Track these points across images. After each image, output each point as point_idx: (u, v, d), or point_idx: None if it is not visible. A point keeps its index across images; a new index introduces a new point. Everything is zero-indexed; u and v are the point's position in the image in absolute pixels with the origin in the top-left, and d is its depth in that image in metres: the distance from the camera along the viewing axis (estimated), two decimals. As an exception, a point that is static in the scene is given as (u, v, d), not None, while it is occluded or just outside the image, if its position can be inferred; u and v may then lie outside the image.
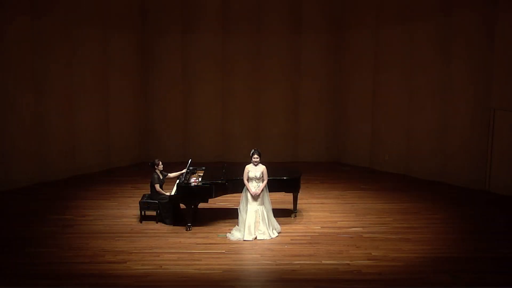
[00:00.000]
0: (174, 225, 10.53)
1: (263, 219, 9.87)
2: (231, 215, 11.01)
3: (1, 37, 12.43)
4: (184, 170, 11.03)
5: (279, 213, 11.16)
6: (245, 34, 15.34)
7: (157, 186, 10.75)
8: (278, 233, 10.08)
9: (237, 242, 9.75)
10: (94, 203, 11.85)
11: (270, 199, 10.18)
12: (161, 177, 10.90)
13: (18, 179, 12.93)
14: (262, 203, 9.98)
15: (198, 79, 15.52)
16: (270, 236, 9.85)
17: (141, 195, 11.12)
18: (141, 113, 15.44)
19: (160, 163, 10.93)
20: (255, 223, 9.83)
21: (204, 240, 9.81)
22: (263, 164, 10.07)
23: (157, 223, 10.62)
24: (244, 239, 9.76)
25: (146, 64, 15.31)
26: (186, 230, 10.26)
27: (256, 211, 9.89)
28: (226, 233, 10.04)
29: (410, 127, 14.15)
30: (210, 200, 10.42)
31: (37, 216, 11.09)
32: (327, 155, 15.86)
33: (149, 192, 11.02)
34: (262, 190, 9.93)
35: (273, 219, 10.15)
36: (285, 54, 15.49)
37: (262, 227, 9.86)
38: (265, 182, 9.97)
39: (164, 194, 10.76)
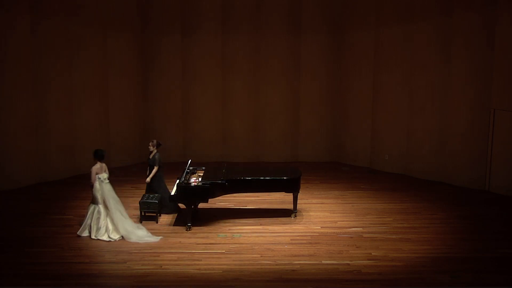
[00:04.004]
0: (174, 224, 10.54)
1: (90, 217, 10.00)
2: (231, 215, 11.03)
3: (1, 37, 12.41)
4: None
5: (279, 213, 11.18)
6: (245, 34, 15.31)
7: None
8: (123, 239, 9.83)
9: (237, 242, 9.76)
10: (94, 203, 11.84)
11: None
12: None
13: (18, 179, 12.91)
14: (96, 203, 10.07)
15: (198, 79, 15.49)
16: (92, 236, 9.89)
17: (141, 195, 11.11)
18: (141, 113, 15.41)
19: (153, 142, 11.10)
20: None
21: (204, 240, 9.82)
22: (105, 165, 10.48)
23: (157, 223, 10.63)
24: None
25: (146, 64, 15.29)
26: (186, 230, 10.27)
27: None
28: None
29: (410, 127, 14.14)
30: (210, 200, 10.44)
31: (37, 216, 11.10)
32: (327, 155, 15.85)
33: (149, 193, 11.09)
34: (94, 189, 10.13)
35: (118, 223, 9.91)
36: (285, 54, 15.46)
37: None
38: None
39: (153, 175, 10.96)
